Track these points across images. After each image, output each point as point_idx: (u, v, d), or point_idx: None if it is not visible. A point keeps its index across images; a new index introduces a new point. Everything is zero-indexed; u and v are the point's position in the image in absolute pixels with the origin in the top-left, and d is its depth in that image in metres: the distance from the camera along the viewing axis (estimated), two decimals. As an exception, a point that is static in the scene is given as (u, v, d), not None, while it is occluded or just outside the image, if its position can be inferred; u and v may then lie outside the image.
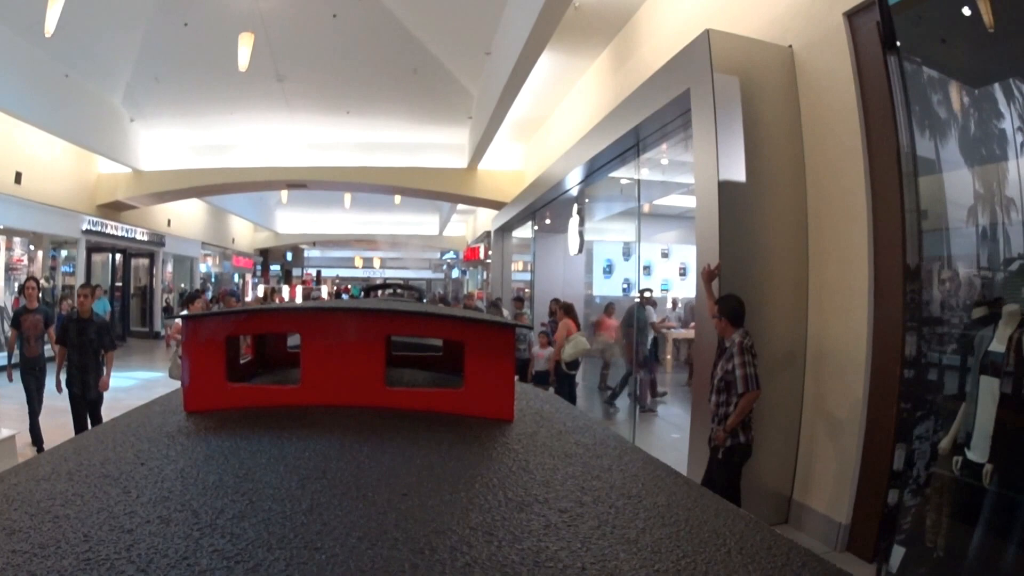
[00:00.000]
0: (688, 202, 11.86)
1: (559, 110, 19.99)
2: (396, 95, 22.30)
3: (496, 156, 24.63)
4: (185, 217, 35.22)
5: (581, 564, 0.93)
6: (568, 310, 13.64)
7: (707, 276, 7.62)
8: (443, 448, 1.46)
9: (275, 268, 52.74)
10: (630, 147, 11.73)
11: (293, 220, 48.17)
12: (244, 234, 47.42)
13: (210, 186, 27.08)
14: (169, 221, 33.09)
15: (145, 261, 32.39)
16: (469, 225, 44.41)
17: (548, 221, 19.84)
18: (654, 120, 9.92)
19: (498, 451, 1.48)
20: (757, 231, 7.80)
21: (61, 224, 23.26)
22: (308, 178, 26.86)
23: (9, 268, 21.04)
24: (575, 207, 17.20)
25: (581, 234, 17.16)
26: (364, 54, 19.65)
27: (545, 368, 13.29)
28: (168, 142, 26.61)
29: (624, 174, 13.56)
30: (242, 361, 2.25)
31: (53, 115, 19.82)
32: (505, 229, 24.64)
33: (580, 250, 17.40)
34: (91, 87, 21.28)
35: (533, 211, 19.87)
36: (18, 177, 20.61)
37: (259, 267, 51.25)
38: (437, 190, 26.57)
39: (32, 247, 22.71)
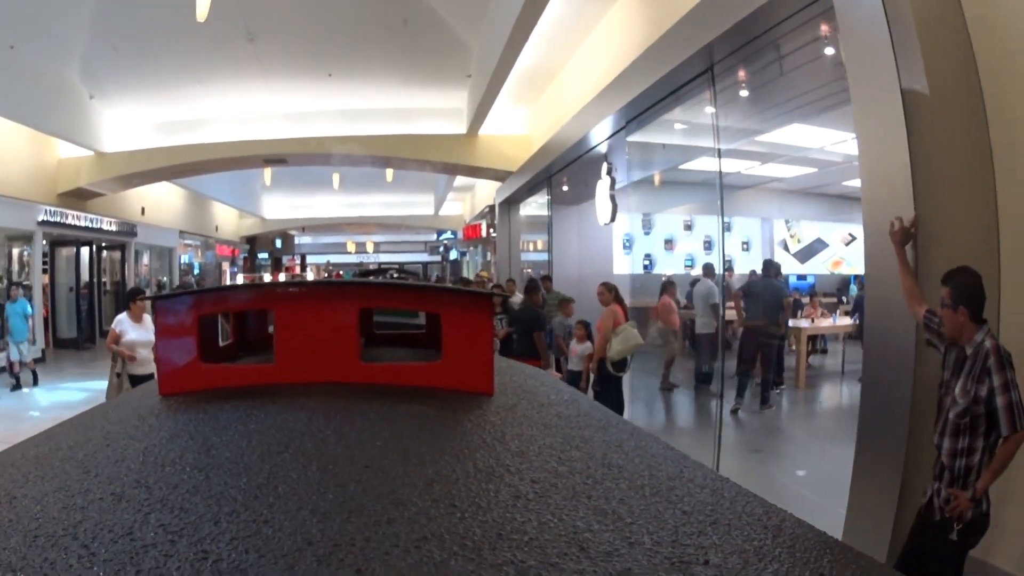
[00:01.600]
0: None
1: (574, 61, 17.65)
2: (384, 52, 20.10)
3: (499, 120, 22.37)
4: (161, 205, 33.33)
5: (548, 536, 0.91)
6: (615, 293, 11.45)
7: (899, 237, 4.92)
8: (414, 421, 1.49)
9: (264, 256, 50.80)
10: (697, 75, 9.46)
11: (280, 205, 46.70)
12: (228, 221, 45.58)
13: (180, 166, 25.05)
14: (143, 209, 31.18)
15: (117, 254, 30.37)
16: (467, 203, 42.77)
17: (566, 188, 18.04)
18: (749, 26, 7.46)
19: (473, 423, 1.49)
20: (974, 166, 5.27)
21: (12, 216, 21.31)
22: (288, 152, 24.84)
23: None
24: (604, 167, 15.00)
25: (613, 199, 14.90)
26: (346, 3, 17.51)
27: (579, 368, 11.21)
28: (133, 120, 24.37)
29: (686, 117, 11.42)
30: (223, 344, 2.22)
31: None
32: (512, 202, 23.17)
33: (613, 218, 15.14)
34: (41, 60, 19.15)
35: (549, 176, 18.02)
36: None
37: (244, 255, 49.61)
38: (433, 159, 24.41)
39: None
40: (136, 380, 9.86)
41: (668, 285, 14.61)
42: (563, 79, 18.53)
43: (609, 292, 11.45)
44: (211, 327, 1.94)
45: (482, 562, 0.85)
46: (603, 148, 14.54)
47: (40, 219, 22.67)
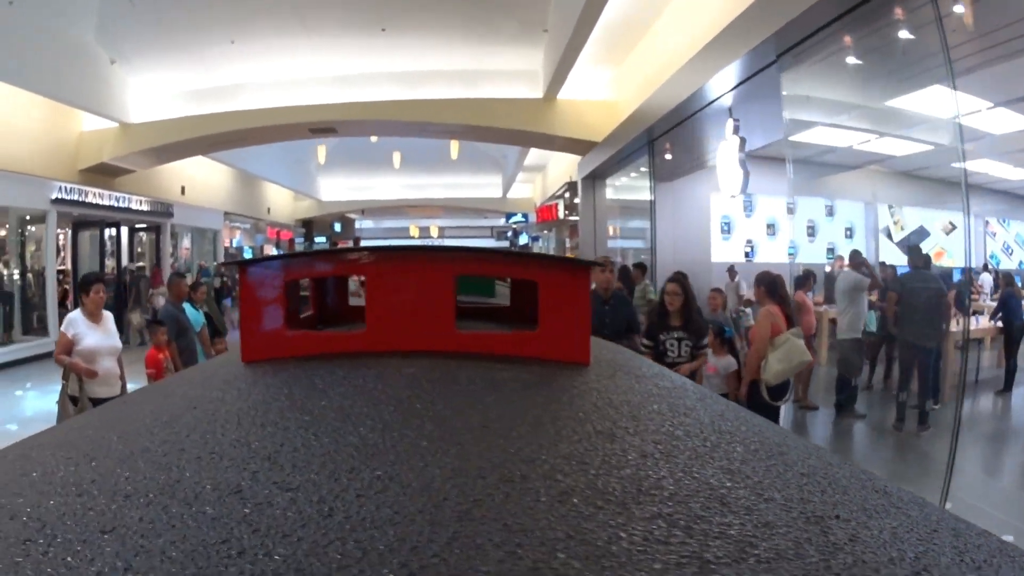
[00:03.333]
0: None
1: (674, 7, 14.80)
2: (446, 2, 17.45)
3: (579, 84, 19.56)
4: (204, 184, 31.22)
5: (686, 491, 0.91)
6: (771, 288, 8.68)
7: None
8: (519, 386, 1.47)
9: (321, 240, 48.67)
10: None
11: (338, 186, 45.17)
12: (282, 203, 43.75)
13: (215, 136, 22.47)
14: (183, 188, 29.06)
15: (152, 236, 28.35)
16: (536, 185, 41.03)
17: (669, 156, 15.48)
18: None
19: (579, 389, 1.47)
20: None
21: (21, 194, 19.25)
22: (337, 118, 22.00)
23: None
24: (730, 125, 12.63)
25: (743, 164, 12.72)
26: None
27: (720, 392, 8.01)
28: (160, 88, 21.99)
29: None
30: (302, 316, 2.11)
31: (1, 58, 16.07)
32: (597, 176, 20.67)
33: (744, 188, 13.19)
34: (50, 20, 17.04)
35: (650, 142, 15.40)
36: None
37: (301, 239, 47.91)
38: (505, 127, 21.38)
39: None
40: (99, 404, 7.31)
41: (804, 278, 12.59)
42: (659, 30, 15.80)
43: (764, 287, 8.71)
44: (296, 295, 1.88)
45: (631, 516, 0.83)
46: (727, 102, 12.10)
47: (54, 197, 20.59)
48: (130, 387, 8.44)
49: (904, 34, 8.40)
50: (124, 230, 25.85)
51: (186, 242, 31.63)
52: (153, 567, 0.69)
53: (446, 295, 1.67)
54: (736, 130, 12.61)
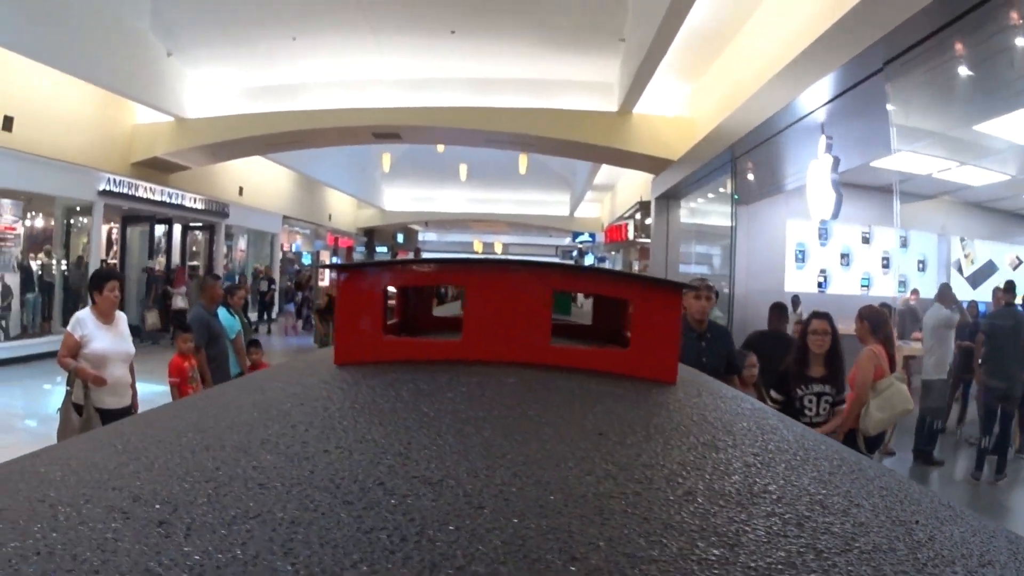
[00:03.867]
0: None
1: (758, 18, 13.83)
2: (519, 4, 16.46)
3: (656, 99, 18.43)
4: (263, 186, 30.75)
5: (790, 496, 0.97)
6: (876, 324, 7.64)
7: None
8: (619, 400, 1.51)
9: (383, 249, 48.50)
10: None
11: (402, 196, 44.55)
12: (344, 211, 43.07)
13: (274, 136, 21.59)
14: (241, 189, 28.64)
15: (200, 236, 27.71)
16: (605, 205, 39.90)
17: (751, 177, 14.71)
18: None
19: (673, 405, 1.53)
20: None
21: (66, 183, 18.62)
22: (401, 123, 20.96)
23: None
24: (823, 142, 11.78)
25: (836, 186, 11.99)
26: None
27: None
28: (218, 83, 21.47)
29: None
30: (389, 322, 2.01)
31: (53, 44, 15.74)
32: (671, 196, 19.78)
33: (836, 213, 12.60)
34: (105, 6, 16.61)
35: (732, 160, 14.48)
36: (7, 123, 16.53)
37: (361, 247, 47.32)
38: (577, 140, 20.11)
39: (32, 212, 18.79)
40: (108, 416, 6.46)
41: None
42: (743, 41, 14.83)
43: (869, 324, 7.63)
44: (386, 301, 1.79)
45: (750, 513, 0.89)
46: (819, 117, 11.18)
47: (101, 188, 19.91)
48: (143, 395, 7.68)
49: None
50: (177, 228, 25.33)
51: (242, 244, 31.14)
52: (314, 552, 0.68)
53: (543, 309, 1.71)
54: (829, 148, 11.74)
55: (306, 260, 38.28)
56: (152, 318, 21.20)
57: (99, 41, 16.91)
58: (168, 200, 22.82)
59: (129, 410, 6.85)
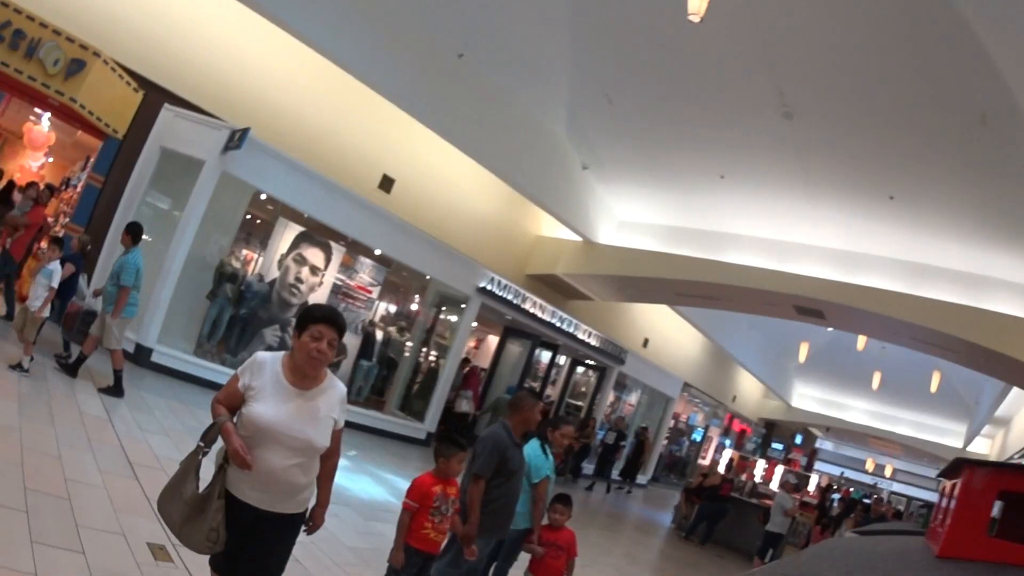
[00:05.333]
0: None
1: None
2: (955, 167, 13.67)
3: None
4: (668, 343, 29.24)
5: None
6: None
7: None
8: None
9: (779, 447, 44.68)
10: None
11: (810, 395, 41.02)
12: (750, 395, 40.46)
13: (688, 284, 19.49)
14: (646, 341, 27.38)
15: (591, 376, 25.95)
16: (995, 442, 35.36)
17: None
18: None
19: None
20: None
21: (445, 268, 18.16)
22: (826, 299, 17.83)
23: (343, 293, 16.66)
24: None
25: None
26: (911, 92, 12.36)
27: None
28: (632, 208, 20.25)
29: None
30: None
31: (478, 137, 16.16)
32: None
33: None
34: (527, 104, 16.62)
35: None
36: (387, 183, 17.00)
37: (757, 439, 44.41)
38: (1008, 353, 15.63)
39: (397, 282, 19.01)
40: (245, 514, 4.15)
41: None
42: None
43: None
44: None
45: None
46: None
47: (481, 285, 18.76)
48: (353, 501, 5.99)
49: None
50: (563, 358, 24.15)
51: (633, 397, 29.36)
52: None
53: None
54: None
55: (696, 436, 36.36)
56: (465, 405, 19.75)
57: (518, 141, 16.78)
58: (557, 324, 21.29)
59: (292, 520, 4.39)
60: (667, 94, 14.99)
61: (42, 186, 14.83)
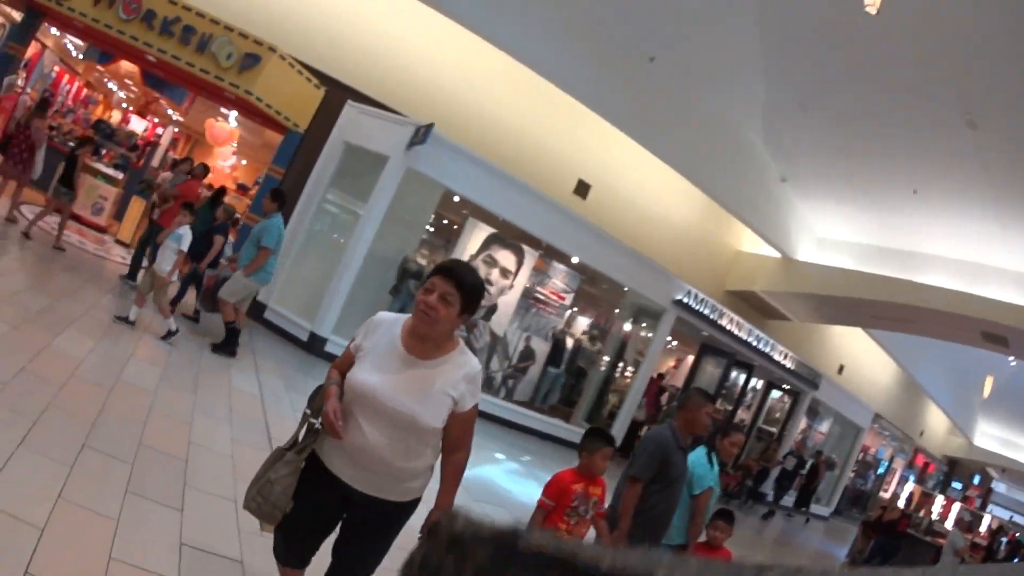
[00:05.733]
0: None
1: None
2: None
3: None
4: (862, 370, 28.27)
5: None
6: None
7: None
8: None
9: (957, 485, 42.35)
10: None
11: (991, 433, 38.85)
12: (936, 430, 38.48)
13: (882, 305, 19.09)
14: (842, 367, 26.78)
15: (785, 401, 25.49)
16: None
17: None
18: None
19: None
20: None
21: (642, 279, 17.78)
22: (1013, 324, 16.89)
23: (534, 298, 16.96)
24: None
25: None
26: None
27: None
28: (830, 224, 20.08)
29: None
30: None
31: (681, 147, 16.47)
32: None
33: None
34: (725, 111, 16.70)
35: None
36: (582, 188, 17.27)
37: (939, 477, 42.44)
38: None
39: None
40: (333, 488, 3.75)
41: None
42: None
43: None
44: None
45: None
46: None
47: (678, 298, 18.17)
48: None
49: None
50: (757, 380, 24.05)
51: (824, 426, 28.10)
52: None
53: None
54: None
55: (880, 469, 34.92)
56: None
57: (713, 149, 16.84)
58: (754, 343, 20.83)
59: (390, 511, 3.81)
60: (857, 102, 14.87)
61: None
